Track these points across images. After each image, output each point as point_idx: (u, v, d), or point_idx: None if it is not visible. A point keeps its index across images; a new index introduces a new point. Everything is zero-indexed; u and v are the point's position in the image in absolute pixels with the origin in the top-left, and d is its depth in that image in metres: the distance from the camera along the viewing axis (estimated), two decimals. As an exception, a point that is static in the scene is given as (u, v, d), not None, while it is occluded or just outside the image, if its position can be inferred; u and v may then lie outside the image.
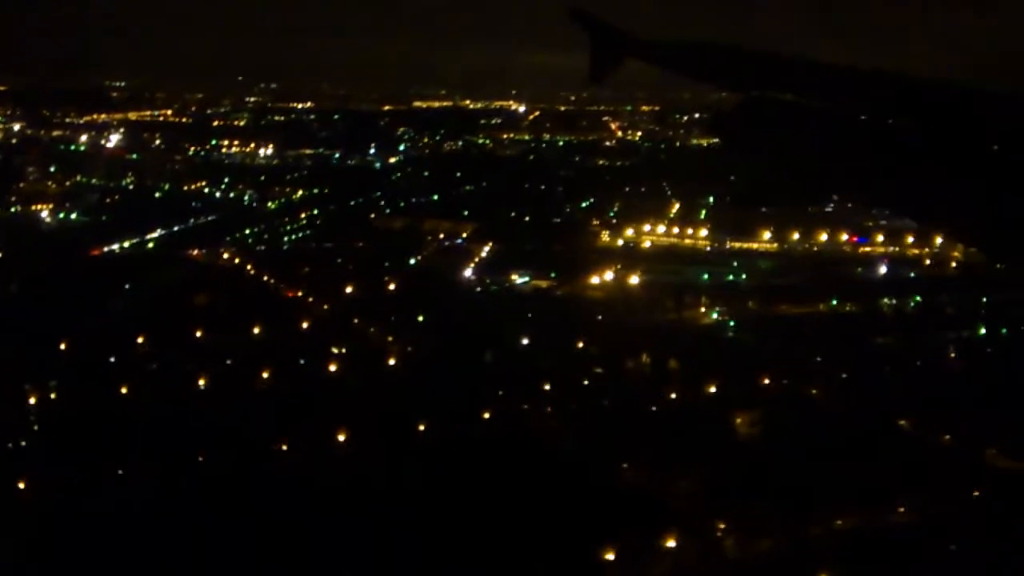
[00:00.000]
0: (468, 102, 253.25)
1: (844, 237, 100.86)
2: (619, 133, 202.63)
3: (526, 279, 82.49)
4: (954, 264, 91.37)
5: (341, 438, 47.54)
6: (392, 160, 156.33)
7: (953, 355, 65.49)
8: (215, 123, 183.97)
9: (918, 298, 78.93)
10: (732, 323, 71.84)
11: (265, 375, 55.65)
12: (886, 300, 78.28)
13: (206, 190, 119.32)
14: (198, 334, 62.31)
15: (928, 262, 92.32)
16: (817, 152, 6.47)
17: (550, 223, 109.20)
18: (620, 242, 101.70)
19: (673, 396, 56.38)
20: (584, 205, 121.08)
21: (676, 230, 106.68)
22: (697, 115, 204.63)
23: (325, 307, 70.36)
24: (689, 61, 9.33)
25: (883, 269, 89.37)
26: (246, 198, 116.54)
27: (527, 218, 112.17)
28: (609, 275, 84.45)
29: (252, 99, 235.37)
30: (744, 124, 7.33)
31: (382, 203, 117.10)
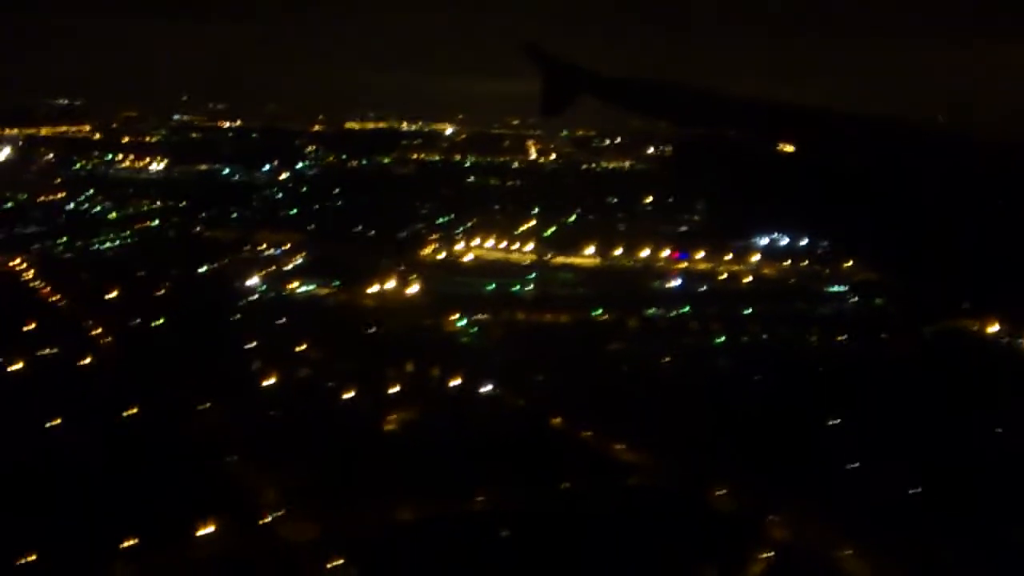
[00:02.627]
0: (404, 124, 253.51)
1: (666, 253, 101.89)
2: (534, 156, 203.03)
3: (310, 287, 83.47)
4: (749, 279, 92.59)
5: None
6: (282, 176, 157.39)
7: (667, 359, 66.23)
8: (124, 139, 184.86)
9: (686, 309, 79.72)
10: (474, 329, 72.70)
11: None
12: (652, 310, 79.06)
13: (61, 200, 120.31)
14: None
15: (724, 276, 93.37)
16: (756, 186, 6.80)
17: (391, 237, 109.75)
18: (443, 255, 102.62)
19: (347, 396, 57.15)
20: (441, 221, 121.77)
21: (511, 245, 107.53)
22: (619, 139, 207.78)
23: (69, 307, 71.34)
24: (639, 98, 9.61)
25: (677, 282, 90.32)
26: (97, 209, 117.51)
27: (372, 232, 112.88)
28: (397, 285, 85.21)
29: (186, 117, 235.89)
30: (693, 158, 7.72)
31: (234, 215, 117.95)
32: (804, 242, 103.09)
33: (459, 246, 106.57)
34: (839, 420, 54.02)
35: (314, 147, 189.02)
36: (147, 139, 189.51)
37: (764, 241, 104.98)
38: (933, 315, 75.38)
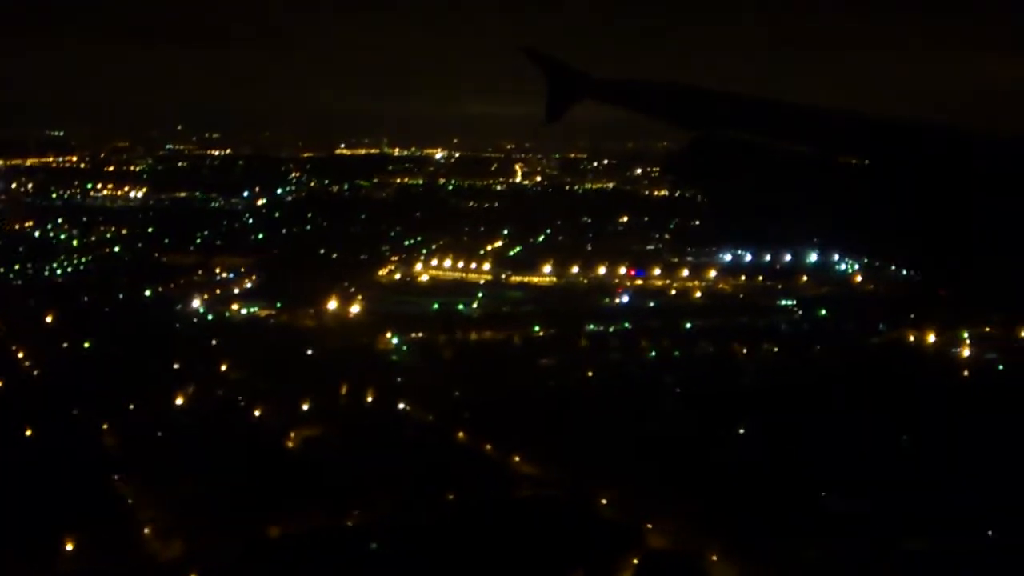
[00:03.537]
0: (396, 150, 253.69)
1: (623, 270, 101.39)
2: (519, 178, 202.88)
3: (251, 309, 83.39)
4: (699, 294, 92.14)
5: None
6: (259, 203, 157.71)
7: (591, 374, 65.78)
8: (108, 168, 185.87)
9: (626, 325, 79.23)
10: (405, 347, 72.43)
11: None
12: (591, 326, 78.50)
13: (28, 229, 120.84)
14: None
15: (674, 292, 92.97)
16: (765, 190, 6.65)
17: (352, 260, 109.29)
18: (398, 276, 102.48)
19: (255, 414, 56.92)
20: (408, 243, 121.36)
21: (470, 265, 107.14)
22: (607, 161, 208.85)
23: (1, 331, 71.51)
24: (642, 99, 9.34)
25: (626, 299, 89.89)
26: (62, 236, 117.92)
27: (334, 255, 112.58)
28: (342, 306, 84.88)
29: (179, 147, 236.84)
30: (695, 162, 7.47)
31: (197, 241, 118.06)
32: (767, 257, 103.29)
33: (418, 267, 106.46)
34: (744, 431, 53.50)
35: (298, 173, 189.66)
36: (132, 168, 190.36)
37: (728, 257, 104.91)
38: (877, 326, 75.08)
